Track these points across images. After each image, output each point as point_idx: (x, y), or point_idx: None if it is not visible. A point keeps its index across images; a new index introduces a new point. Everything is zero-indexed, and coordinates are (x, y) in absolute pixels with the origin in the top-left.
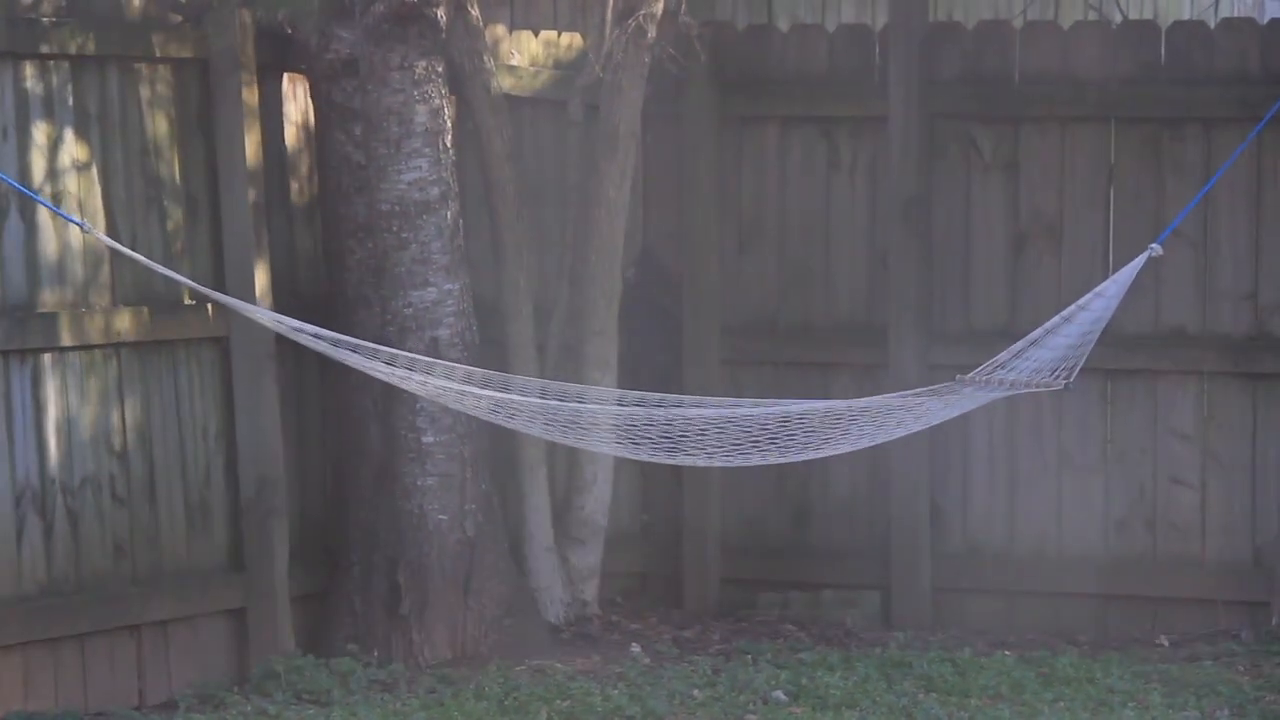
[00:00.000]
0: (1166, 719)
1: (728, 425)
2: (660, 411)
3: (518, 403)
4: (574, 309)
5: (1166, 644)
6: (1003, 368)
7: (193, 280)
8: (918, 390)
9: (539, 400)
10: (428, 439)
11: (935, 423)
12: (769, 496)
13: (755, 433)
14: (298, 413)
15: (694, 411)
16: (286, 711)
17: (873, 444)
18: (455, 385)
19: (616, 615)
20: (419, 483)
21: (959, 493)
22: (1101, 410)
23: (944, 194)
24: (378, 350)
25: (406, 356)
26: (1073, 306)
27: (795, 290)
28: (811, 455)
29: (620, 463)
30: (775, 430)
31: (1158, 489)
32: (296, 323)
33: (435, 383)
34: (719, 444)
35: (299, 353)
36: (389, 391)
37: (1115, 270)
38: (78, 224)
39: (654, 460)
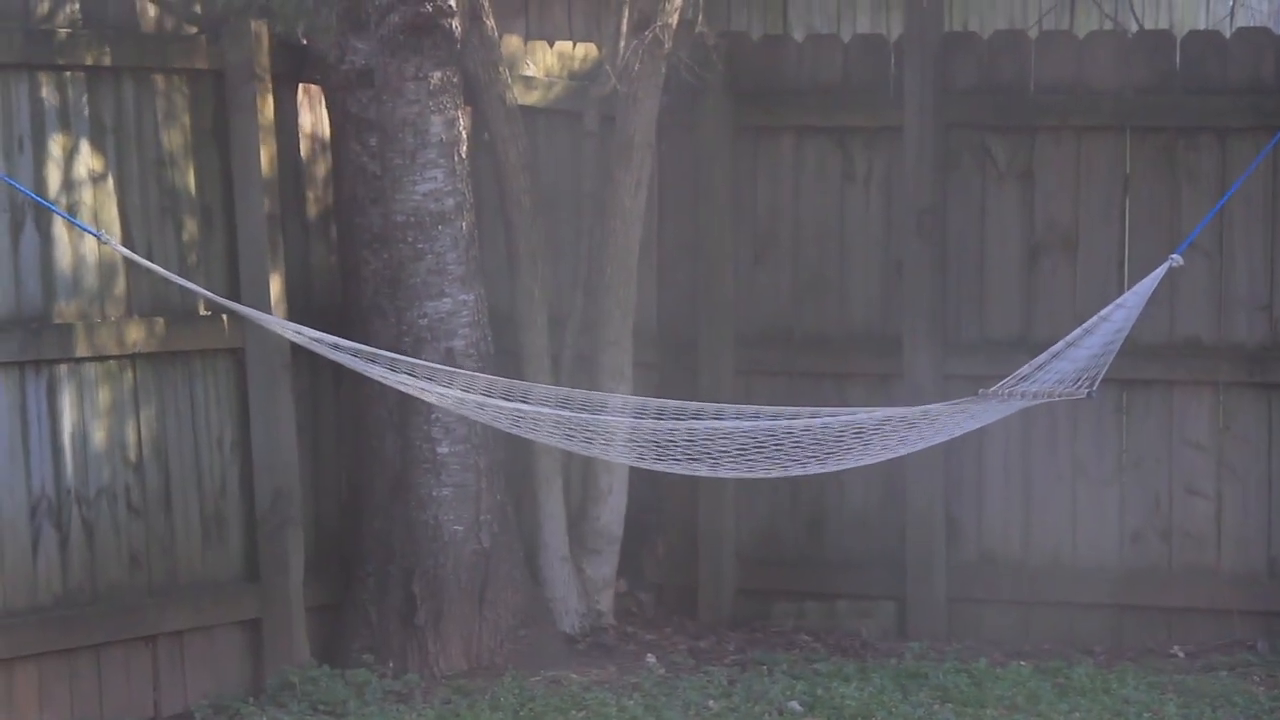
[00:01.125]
0: None
1: (748, 437)
2: (681, 423)
3: (536, 414)
4: (589, 319)
5: (1182, 655)
6: (1025, 380)
7: (208, 291)
8: (942, 404)
9: (558, 412)
10: (443, 449)
11: (956, 435)
12: (784, 507)
13: (774, 444)
14: (313, 423)
15: (715, 423)
16: None
17: (893, 456)
18: (475, 397)
19: (632, 625)
20: (434, 493)
21: (974, 503)
22: (1116, 420)
23: (959, 204)
24: (396, 360)
25: (426, 366)
26: (1094, 318)
27: (810, 300)
28: (834, 467)
29: (635, 473)
30: (795, 442)
31: (1173, 499)
32: (314, 332)
33: (454, 394)
34: (738, 455)
35: (314, 364)
36: (404, 402)
37: (1130, 279)
38: (95, 234)
39: (673, 471)
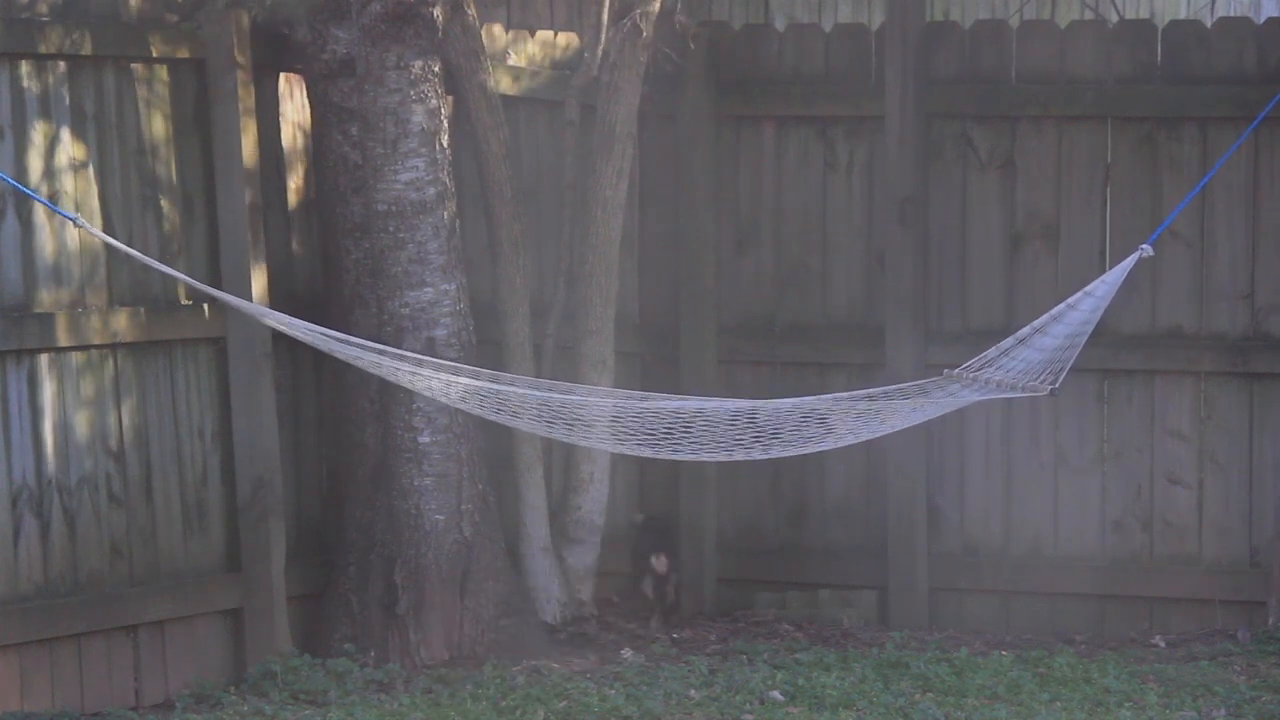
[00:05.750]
0: (1163, 719)
1: (718, 421)
2: (653, 407)
3: (516, 398)
4: (570, 308)
5: (1163, 644)
6: (991, 365)
7: (186, 276)
8: (903, 385)
9: (537, 393)
10: (424, 439)
11: (923, 420)
12: (765, 496)
13: (745, 429)
14: (294, 413)
15: (687, 404)
16: (283, 712)
17: (857, 440)
18: (459, 380)
19: (613, 615)
20: (415, 483)
21: (956, 492)
22: (1098, 410)
23: (940, 193)
24: (377, 350)
25: (410, 357)
26: (1061, 305)
27: (792, 290)
28: (798, 451)
29: (617, 462)
30: (764, 426)
31: (1154, 489)
32: (289, 318)
33: (436, 380)
34: (711, 440)
35: (296, 353)
36: (386, 391)
37: (1111, 269)
38: (69, 217)
39: (647, 456)
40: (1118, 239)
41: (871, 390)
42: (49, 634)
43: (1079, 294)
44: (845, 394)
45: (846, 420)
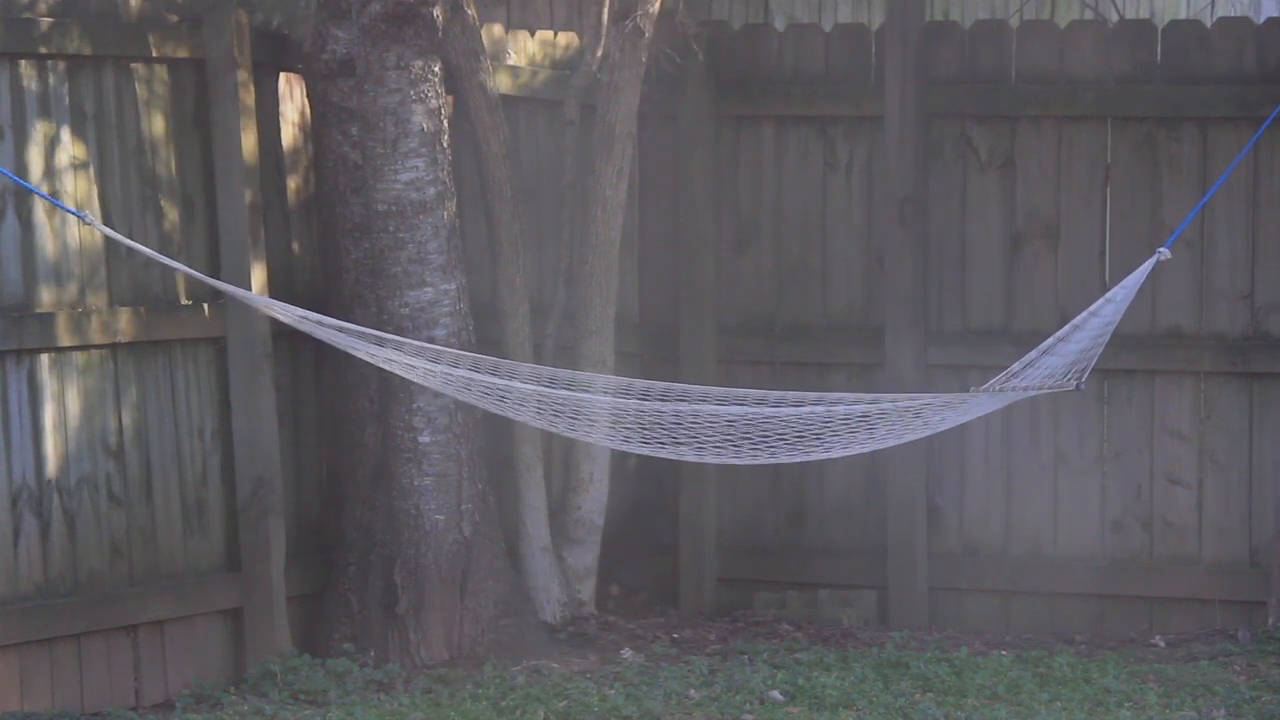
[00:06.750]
0: (1163, 719)
1: (733, 422)
2: (667, 406)
3: (520, 392)
4: (570, 308)
5: (1162, 644)
6: (1015, 376)
7: (193, 270)
8: (933, 396)
9: (543, 389)
10: (424, 438)
11: (944, 428)
12: (765, 496)
13: (759, 432)
14: (294, 412)
15: (699, 407)
16: (283, 711)
17: (880, 447)
18: (461, 372)
19: (613, 615)
20: (415, 482)
21: (955, 492)
22: (1098, 410)
23: (940, 193)
24: (383, 338)
25: (414, 345)
26: (1084, 314)
27: (792, 290)
28: (820, 456)
29: (616, 462)
30: (780, 429)
31: (1154, 489)
32: (300, 310)
33: (441, 370)
34: (723, 440)
35: (296, 353)
36: (386, 391)
37: (1112, 268)
38: (76, 214)
39: (654, 454)
40: (1118, 239)
41: (898, 400)
42: (49, 634)
43: (1100, 301)
44: (870, 396)
45: (865, 428)
